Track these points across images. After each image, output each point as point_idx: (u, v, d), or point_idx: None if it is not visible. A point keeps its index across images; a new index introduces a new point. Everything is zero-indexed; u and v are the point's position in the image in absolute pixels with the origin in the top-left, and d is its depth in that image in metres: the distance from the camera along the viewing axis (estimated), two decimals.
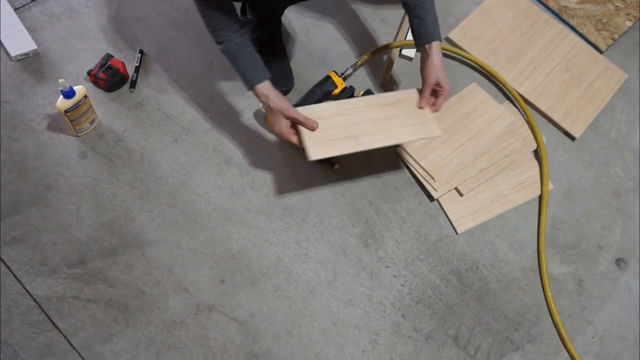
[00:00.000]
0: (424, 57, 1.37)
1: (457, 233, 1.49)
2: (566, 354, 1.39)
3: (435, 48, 1.34)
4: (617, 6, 1.88)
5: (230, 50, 1.31)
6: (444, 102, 1.40)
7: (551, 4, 1.88)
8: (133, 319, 1.30)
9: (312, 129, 1.31)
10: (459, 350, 1.37)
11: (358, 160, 1.54)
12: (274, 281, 1.38)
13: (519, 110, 1.67)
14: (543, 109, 1.67)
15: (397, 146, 1.56)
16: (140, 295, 1.32)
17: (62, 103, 1.37)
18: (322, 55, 1.69)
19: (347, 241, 1.45)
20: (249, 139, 1.53)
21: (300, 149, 1.33)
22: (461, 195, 1.52)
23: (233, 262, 1.39)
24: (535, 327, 1.41)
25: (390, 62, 1.66)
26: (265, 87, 1.31)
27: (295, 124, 1.32)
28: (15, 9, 1.62)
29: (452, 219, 1.50)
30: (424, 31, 1.35)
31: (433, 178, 1.51)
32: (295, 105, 1.53)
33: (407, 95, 1.41)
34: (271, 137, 1.55)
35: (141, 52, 1.60)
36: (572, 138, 1.66)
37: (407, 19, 1.75)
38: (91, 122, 1.47)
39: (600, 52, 1.81)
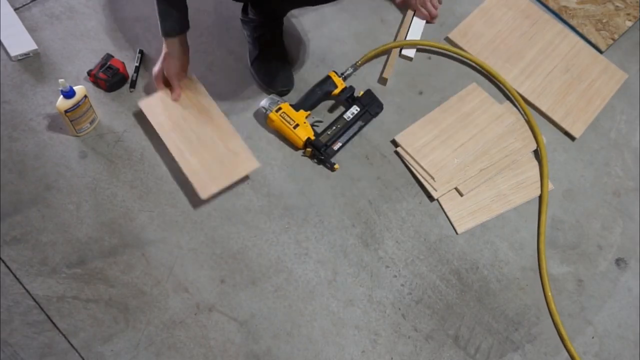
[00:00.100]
0: None
1: (457, 233, 1.49)
2: (566, 354, 1.39)
3: None
4: (617, 6, 1.88)
5: None
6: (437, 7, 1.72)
7: (551, 4, 1.88)
8: (133, 319, 1.30)
9: (174, 99, 1.47)
10: (459, 350, 1.37)
11: (358, 160, 1.54)
12: (274, 281, 1.38)
13: (519, 110, 1.67)
14: (543, 109, 1.67)
15: (397, 146, 1.56)
16: (140, 295, 1.32)
17: (62, 103, 1.37)
18: (322, 55, 1.69)
19: (347, 241, 1.45)
20: (249, 139, 1.53)
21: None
22: (461, 195, 1.52)
23: (233, 262, 1.39)
24: (535, 327, 1.41)
25: (390, 62, 1.66)
26: (171, 42, 1.36)
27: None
28: (15, 9, 1.62)
29: (452, 219, 1.50)
30: None
31: (433, 178, 1.51)
32: (296, 105, 1.54)
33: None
34: (271, 137, 1.55)
35: (141, 52, 1.60)
36: (572, 138, 1.66)
37: (407, 18, 1.77)
38: (91, 122, 1.47)
39: (600, 52, 1.81)
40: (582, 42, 1.80)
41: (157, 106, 1.48)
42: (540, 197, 1.56)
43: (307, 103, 1.55)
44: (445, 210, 1.51)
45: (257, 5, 1.52)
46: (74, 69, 1.56)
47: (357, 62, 1.63)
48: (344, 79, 1.60)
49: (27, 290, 1.30)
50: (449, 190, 1.52)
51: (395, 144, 1.57)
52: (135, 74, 1.56)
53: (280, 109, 1.51)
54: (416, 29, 1.75)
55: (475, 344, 1.38)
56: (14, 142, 1.45)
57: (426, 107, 1.63)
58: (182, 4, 1.31)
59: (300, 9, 1.74)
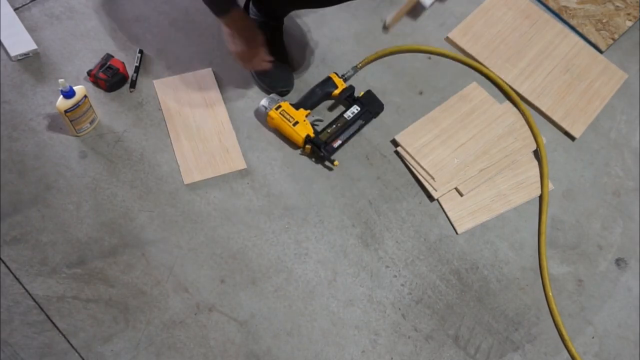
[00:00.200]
0: None
1: (457, 233, 1.49)
2: (566, 354, 1.39)
3: None
4: (617, 6, 1.88)
5: None
6: None
7: (551, 4, 1.88)
8: (133, 319, 1.30)
9: (266, 68, 1.48)
10: (459, 350, 1.37)
11: (358, 160, 1.54)
12: (274, 281, 1.38)
13: (519, 110, 1.67)
14: (543, 109, 1.67)
15: (397, 146, 1.56)
16: (140, 295, 1.32)
17: (62, 103, 1.37)
18: (322, 55, 1.69)
19: (347, 241, 1.45)
20: (248, 139, 1.53)
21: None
22: (461, 195, 1.52)
23: (233, 262, 1.39)
24: (535, 327, 1.41)
25: (405, 7, 1.54)
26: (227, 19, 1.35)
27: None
28: (15, 9, 1.62)
29: (452, 219, 1.50)
30: None
31: (433, 178, 1.51)
32: (296, 104, 1.54)
33: None
34: (271, 137, 1.55)
35: (141, 52, 1.60)
36: (572, 138, 1.66)
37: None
38: (91, 122, 1.47)
39: (600, 52, 1.81)
40: (582, 42, 1.80)
41: (169, 89, 1.56)
42: (541, 197, 1.56)
43: (307, 102, 1.55)
44: (445, 210, 1.51)
45: (258, 4, 1.52)
46: (74, 69, 1.56)
47: (358, 64, 1.63)
48: (345, 80, 1.60)
49: (27, 290, 1.30)
50: (449, 190, 1.52)
51: (395, 143, 1.57)
52: (135, 74, 1.56)
53: (280, 107, 1.51)
54: None
55: (475, 344, 1.38)
56: (14, 142, 1.45)
57: (426, 107, 1.63)
58: None
59: (300, 9, 1.74)
